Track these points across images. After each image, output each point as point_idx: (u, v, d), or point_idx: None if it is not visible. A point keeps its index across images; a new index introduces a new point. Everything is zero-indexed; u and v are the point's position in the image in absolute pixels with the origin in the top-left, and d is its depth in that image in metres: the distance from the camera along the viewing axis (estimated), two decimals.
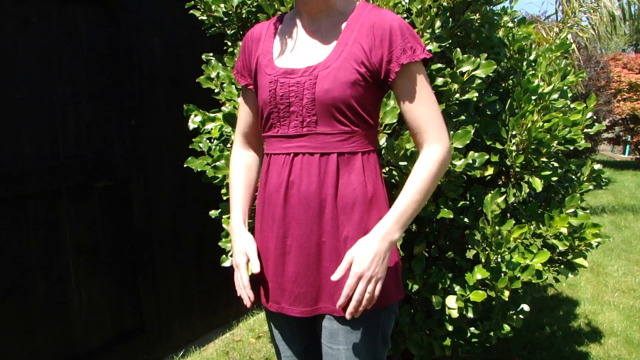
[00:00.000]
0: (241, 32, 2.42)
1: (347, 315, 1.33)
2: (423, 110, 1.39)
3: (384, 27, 1.36)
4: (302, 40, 1.45)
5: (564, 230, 2.10)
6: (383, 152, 1.92)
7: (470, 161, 1.98)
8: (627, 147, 16.45)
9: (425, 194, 1.37)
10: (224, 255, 2.32)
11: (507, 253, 2.04)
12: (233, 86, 2.32)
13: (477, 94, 2.03)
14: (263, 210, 1.50)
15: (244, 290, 1.48)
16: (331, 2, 1.42)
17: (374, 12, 1.41)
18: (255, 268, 1.45)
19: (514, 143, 2.09)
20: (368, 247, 1.31)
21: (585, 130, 2.36)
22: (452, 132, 1.95)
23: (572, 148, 2.25)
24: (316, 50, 1.41)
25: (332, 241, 1.39)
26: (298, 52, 1.44)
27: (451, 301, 2.07)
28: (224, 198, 2.32)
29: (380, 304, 1.42)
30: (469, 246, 2.19)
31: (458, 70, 1.99)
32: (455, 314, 2.06)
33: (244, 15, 2.34)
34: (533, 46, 2.55)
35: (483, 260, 2.07)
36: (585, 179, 2.38)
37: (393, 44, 1.35)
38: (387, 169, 1.99)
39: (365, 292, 1.32)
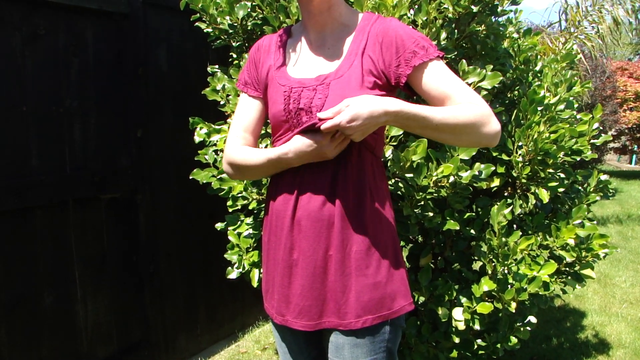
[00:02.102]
0: (247, 44, 2.42)
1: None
2: (446, 81, 1.35)
3: (389, 34, 1.37)
4: (311, 54, 1.47)
5: (571, 242, 2.09)
6: (389, 164, 1.92)
7: (477, 172, 1.98)
8: (634, 156, 16.41)
9: (448, 121, 1.28)
10: (229, 268, 2.32)
11: (513, 264, 2.04)
12: (239, 98, 2.32)
13: None
14: (271, 222, 1.50)
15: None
16: (336, 15, 1.43)
17: (379, 21, 1.42)
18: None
19: (520, 154, 2.08)
20: (365, 106, 1.25)
21: (592, 140, 2.36)
22: None
23: (578, 159, 2.25)
24: (326, 62, 1.43)
25: (339, 255, 1.39)
26: (309, 65, 1.45)
27: (458, 313, 2.07)
28: (230, 210, 2.32)
29: (388, 317, 1.42)
30: (476, 258, 2.19)
31: (464, 82, 1.99)
32: (461, 326, 2.05)
33: (249, 28, 2.34)
34: (539, 57, 2.55)
35: (489, 271, 2.06)
36: (591, 189, 2.37)
37: (400, 49, 1.35)
38: (393, 180, 1.98)
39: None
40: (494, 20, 2.23)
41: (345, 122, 1.24)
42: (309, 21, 1.45)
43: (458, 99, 1.33)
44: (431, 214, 2.01)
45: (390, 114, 1.26)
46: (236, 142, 1.54)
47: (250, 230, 2.32)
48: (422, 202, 1.99)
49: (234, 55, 2.52)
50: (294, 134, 1.38)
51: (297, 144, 1.36)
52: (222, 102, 2.41)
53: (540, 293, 2.06)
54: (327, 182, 1.39)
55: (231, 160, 1.53)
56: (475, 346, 2.18)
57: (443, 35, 2.02)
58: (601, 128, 2.33)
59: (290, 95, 1.41)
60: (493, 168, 2.03)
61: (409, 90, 1.43)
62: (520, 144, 2.07)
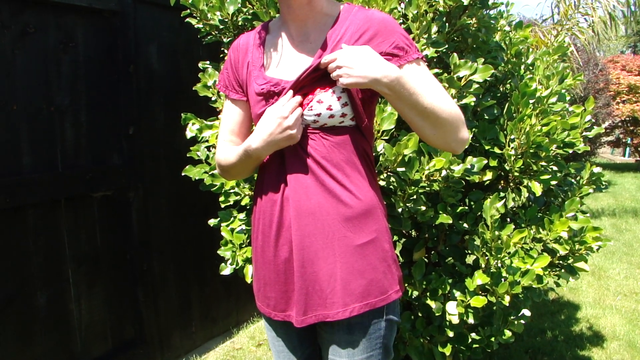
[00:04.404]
0: None
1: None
2: (426, 83, 1.34)
3: (369, 30, 1.35)
4: (291, 50, 1.44)
5: (564, 234, 2.09)
6: (381, 158, 1.92)
7: (469, 166, 1.98)
8: (627, 149, 16.45)
9: (435, 109, 1.29)
10: (223, 264, 2.32)
11: (507, 258, 2.04)
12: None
13: (474, 99, 2.03)
14: (259, 220, 1.48)
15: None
16: (317, 8, 1.40)
17: (359, 14, 1.39)
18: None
19: (512, 147, 2.08)
20: (368, 53, 1.25)
21: (584, 133, 2.36)
22: None
23: (571, 151, 2.25)
24: (306, 59, 1.40)
25: (324, 246, 1.37)
26: (288, 62, 1.43)
27: (451, 307, 2.06)
28: (222, 206, 2.32)
29: (375, 305, 1.40)
30: (469, 251, 2.18)
31: (455, 75, 1.98)
32: (455, 320, 2.05)
33: (239, 23, 2.33)
34: (530, 49, 2.55)
35: (483, 265, 2.06)
36: (584, 182, 2.37)
37: (381, 46, 1.33)
38: (385, 175, 1.98)
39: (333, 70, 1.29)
40: (485, 13, 2.22)
41: (342, 52, 1.26)
42: (289, 15, 1.42)
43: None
44: (424, 208, 2.01)
45: (386, 74, 1.25)
46: (223, 145, 1.55)
47: (243, 226, 2.31)
48: (415, 196, 1.98)
49: (225, 51, 2.50)
50: (287, 90, 1.36)
51: (258, 132, 1.36)
52: (213, 98, 2.40)
53: (534, 286, 2.06)
54: (311, 177, 1.38)
55: (218, 162, 1.56)
56: (470, 340, 2.18)
57: (434, 28, 2.01)
58: (594, 120, 2.32)
59: (268, 96, 1.40)
60: (485, 161, 2.02)
61: None
62: (512, 137, 2.07)
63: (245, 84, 1.50)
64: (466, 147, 1.37)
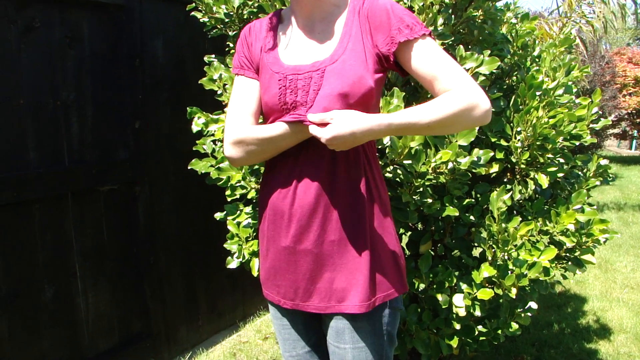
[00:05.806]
0: None
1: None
2: (434, 61, 1.33)
3: (377, 14, 1.36)
4: (303, 38, 1.45)
5: (571, 227, 2.09)
6: (387, 150, 1.92)
7: (475, 158, 1.97)
8: (634, 142, 16.39)
9: (439, 118, 1.26)
10: (229, 257, 2.32)
11: (513, 250, 2.03)
12: (234, 83, 2.32)
13: None
14: (268, 212, 1.49)
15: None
16: None
17: (366, 3, 1.40)
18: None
19: (519, 140, 2.08)
20: (349, 125, 1.25)
21: (591, 125, 2.35)
22: None
23: (577, 144, 2.24)
24: (319, 47, 1.41)
25: (336, 240, 1.40)
26: (302, 49, 1.43)
27: (458, 299, 2.07)
28: (229, 199, 2.32)
29: (384, 299, 1.43)
30: (475, 244, 2.18)
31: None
32: (462, 312, 2.05)
33: (245, 16, 2.33)
34: (537, 42, 2.54)
35: (489, 258, 2.06)
36: (591, 174, 2.37)
37: (387, 28, 1.34)
38: (391, 167, 1.98)
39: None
40: (491, 5, 2.21)
41: (326, 140, 1.27)
42: (297, 5, 1.43)
43: (445, 80, 1.31)
44: (430, 201, 2.01)
45: (376, 132, 1.27)
46: (242, 123, 1.45)
47: (250, 220, 2.31)
48: (421, 189, 1.98)
49: (231, 45, 2.50)
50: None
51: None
52: (219, 92, 2.40)
53: (540, 279, 2.06)
54: (324, 169, 1.38)
55: (240, 138, 1.43)
56: (476, 332, 2.19)
57: (440, 20, 2.01)
58: (600, 113, 2.31)
59: (286, 85, 1.39)
60: (492, 154, 2.02)
61: (399, 70, 1.41)
62: (519, 129, 2.07)
63: (257, 66, 1.50)
64: (490, 117, 1.33)
